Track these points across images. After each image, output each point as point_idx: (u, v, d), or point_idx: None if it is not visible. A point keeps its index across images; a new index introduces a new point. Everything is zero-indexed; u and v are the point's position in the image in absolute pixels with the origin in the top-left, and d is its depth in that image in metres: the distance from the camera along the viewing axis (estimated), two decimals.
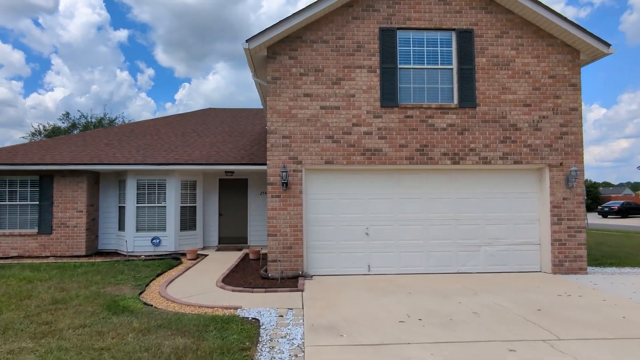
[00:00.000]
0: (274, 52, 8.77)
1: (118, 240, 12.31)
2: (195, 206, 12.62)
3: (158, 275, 8.74)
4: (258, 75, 9.61)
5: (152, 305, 6.41)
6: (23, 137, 35.61)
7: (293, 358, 4.41)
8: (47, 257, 11.55)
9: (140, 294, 7.16)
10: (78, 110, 34.69)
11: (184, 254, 11.53)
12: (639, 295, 7.07)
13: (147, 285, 7.83)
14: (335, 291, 7.37)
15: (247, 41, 8.29)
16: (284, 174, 8.47)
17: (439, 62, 9.03)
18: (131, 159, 11.72)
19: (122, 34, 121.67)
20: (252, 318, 5.72)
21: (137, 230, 11.86)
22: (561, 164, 8.92)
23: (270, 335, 5.10)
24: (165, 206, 11.95)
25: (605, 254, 11.64)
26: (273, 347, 4.70)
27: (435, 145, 8.83)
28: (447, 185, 9.10)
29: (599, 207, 37.90)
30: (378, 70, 8.85)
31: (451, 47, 9.04)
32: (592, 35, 8.62)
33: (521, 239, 9.09)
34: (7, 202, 11.76)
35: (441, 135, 8.85)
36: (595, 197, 45.53)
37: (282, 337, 5.01)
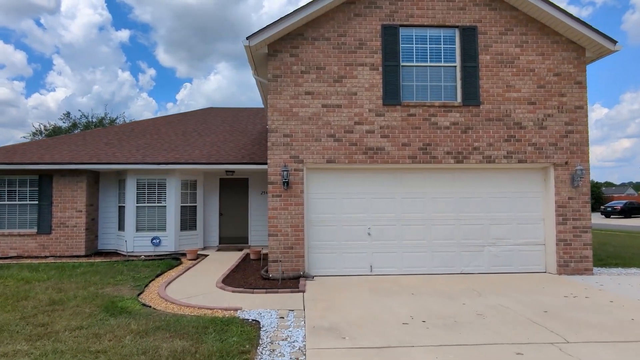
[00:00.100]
0: (275, 49, 8.65)
1: (118, 240, 12.21)
2: (195, 206, 12.51)
3: (158, 276, 8.63)
4: (259, 74, 9.49)
5: (150, 307, 6.30)
6: (24, 137, 35.57)
7: None
8: (46, 257, 11.45)
9: (139, 294, 7.05)
10: (79, 110, 34.76)
11: (184, 254, 11.43)
12: None
13: (146, 285, 7.72)
14: (337, 292, 7.25)
15: (247, 38, 8.18)
16: (285, 173, 8.35)
17: (442, 59, 8.90)
18: (131, 158, 11.62)
19: (124, 34, 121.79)
20: (253, 320, 5.61)
21: (137, 230, 11.75)
22: (566, 163, 8.78)
23: (270, 337, 4.98)
24: (165, 206, 11.85)
25: (610, 255, 11.50)
26: (274, 350, 4.58)
27: (439, 144, 8.70)
28: (451, 185, 8.97)
29: (602, 207, 37.70)
30: (380, 68, 8.73)
31: (454, 45, 8.91)
32: (598, 32, 8.49)
33: (526, 239, 8.96)
34: (6, 202, 11.67)
35: (444, 133, 8.72)
36: (597, 197, 45.32)
37: (282, 340, 4.89)
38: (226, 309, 6.10)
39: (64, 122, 32.33)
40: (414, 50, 8.88)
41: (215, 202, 13.14)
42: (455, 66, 8.89)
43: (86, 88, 79.02)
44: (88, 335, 4.94)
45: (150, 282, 8.04)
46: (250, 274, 8.68)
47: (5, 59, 78.69)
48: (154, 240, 11.67)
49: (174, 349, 4.49)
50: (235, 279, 8.17)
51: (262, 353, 4.50)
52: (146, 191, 11.85)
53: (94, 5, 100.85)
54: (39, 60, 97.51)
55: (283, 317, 5.75)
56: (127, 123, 17.93)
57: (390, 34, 8.76)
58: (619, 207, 35.49)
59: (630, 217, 34.90)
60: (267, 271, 8.49)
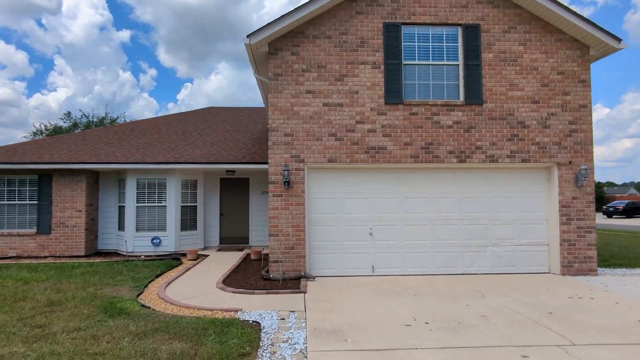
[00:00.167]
0: (276, 47, 8.57)
1: (118, 241, 12.14)
2: (196, 206, 12.44)
3: (157, 276, 8.55)
4: (259, 72, 9.41)
5: (150, 308, 6.22)
6: (25, 137, 35.52)
7: None
8: (45, 257, 11.39)
9: (138, 295, 6.97)
10: (79, 110, 34.68)
11: (184, 254, 11.35)
12: None
13: (145, 286, 7.64)
14: (338, 293, 7.17)
15: (248, 36, 8.09)
16: (286, 172, 8.27)
17: (445, 58, 8.81)
18: (131, 157, 11.54)
19: (125, 35, 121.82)
20: (253, 321, 5.52)
21: (137, 230, 11.68)
22: (570, 162, 8.69)
23: (271, 339, 4.90)
24: (165, 206, 11.77)
25: (614, 255, 11.40)
26: (274, 353, 4.50)
27: (441, 143, 8.61)
28: (453, 184, 8.88)
29: (604, 207, 37.56)
30: (382, 67, 8.64)
31: (457, 43, 8.82)
32: (603, 29, 8.39)
33: (529, 239, 8.86)
34: (5, 202, 11.61)
35: (447, 132, 8.63)
36: (599, 197, 45.17)
37: (283, 342, 4.81)
38: (226, 310, 6.02)
39: (64, 122, 32.31)
40: (416, 49, 8.79)
41: (216, 202, 13.07)
42: (458, 65, 8.79)
43: (87, 88, 79.07)
44: (86, 337, 4.86)
45: (149, 282, 7.96)
46: (251, 275, 8.60)
47: (7, 59, 78.79)
48: (154, 241, 11.59)
49: (172, 351, 4.41)
50: (235, 280, 8.09)
51: (262, 355, 4.42)
52: (146, 191, 11.78)
53: (95, 6, 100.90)
54: (40, 61, 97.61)
55: (284, 319, 5.67)
56: (127, 122, 17.86)
57: (392, 32, 8.67)
58: (621, 207, 35.35)
59: (632, 217, 34.76)
60: (267, 272, 8.40)
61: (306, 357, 4.38)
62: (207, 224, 12.90)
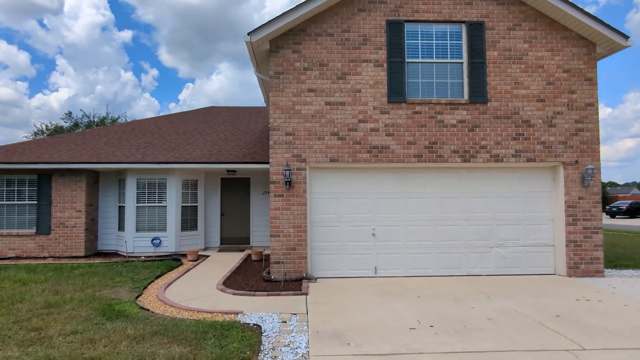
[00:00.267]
0: (277, 45, 8.44)
1: (118, 241, 12.03)
2: (196, 206, 12.32)
3: (157, 277, 8.44)
4: (260, 70, 9.29)
5: (149, 310, 6.10)
6: (26, 137, 35.47)
7: None
8: (45, 257, 11.29)
9: (137, 297, 6.85)
10: (80, 110, 34.61)
11: (184, 255, 11.24)
12: None
13: (145, 288, 7.53)
14: (340, 295, 7.04)
15: (249, 34, 7.97)
16: (287, 172, 8.14)
17: (449, 55, 8.67)
18: (131, 157, 11.43)
19: (127, 35, 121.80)
20: (254, 324, 5.40)
21: (137, 230, 11.57)
22: (576, 161, 8.54)
23: (272, 343, 4.77)
24: (165, 206, 11.66)
25: (620, 256, 11.24)
26: (275, 357, 4.37)
27: (445, 142, 8.47)
28: (457, 184, 8.75)
29: (607, 207, 37.32)
30: (385, 65, 8.51)
31: (461, 40, 8.68)
32: (610, 27, 8.24)
33: (534, 240, 8.72)
34: (4, 202, 11.51)
35: (451, 132, 8.49)
36: (603, 197, 44.89)
37: (285, 346, 4.69)
38: (226, 313, 5.90)
39: (65, 122, 32.24)
40: (420, 47, 8.66)
41: (217, 202, 12.96)
42: (462, 62, 8.66)
43: (89, 88, 79.07)
44: (82, 341, 4.74)
45: (149, 284, 7.85)
46: (252, 276, 8.48)
47: (9, 60, 78.80)
48: (154, 241, 11.48)
49: (171, 356, 4.29)
50: (236, 281, 7.97)
51: None
52: (146, 191, 11.67)
53: (97, 6, 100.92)
54: (42, 61, 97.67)
55: (285, 322, 5.54)
56: (128, 122, 17.77)
57: (395, 30, 8.54)
58: (624, 207, 35.11)
59: (635, 217, 34.52)
60: (269, 273, 8.28)
61: None
62: (208, 224, 12.79)
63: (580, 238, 8.45)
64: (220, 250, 12.20)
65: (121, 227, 11.85)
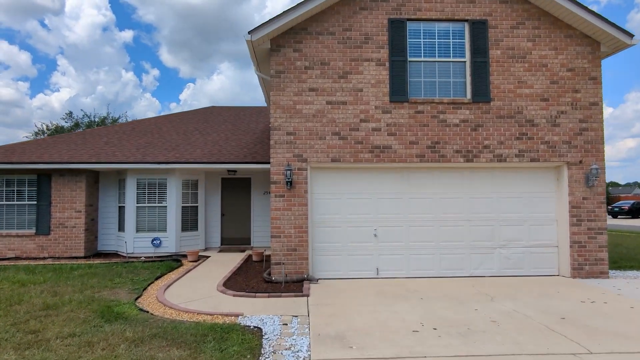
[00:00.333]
0: (278, 44, 8.36)
1: (118, 241, 11.96)
2: (197, 206, 12.25)
3: (157, 278, 8.36)
4: (261, 70, 9.21)
5: (148, 312, 6.03)
6: (26, 137, 35.44)
7: None
8: (44, 258, 11.22)
9: (136, 298, 6.78)
10: (81, 110, 34.55)
11: (185, 256, 11.17)
12: None
13: (144, 289, 7.45)
14: (342, 296, 6.96)
15: (249, 33, 7.89)
16: (288, 172, 8.06)
17: (451, 54, 8.59)
18: (131, 157, 11.36)
19: (128, 35, 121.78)
20: (254, 327, 5.32)
21: (137, 231, 11.50)
22: (581, 161, 8.45)
23: (273, 346, 4.69)
24: (165, 206, 11.59)
25: (623, 257, 11.14)
26: None
27: (447, 142, 8.38)
28: (460, 184, 8.66)
29: (609, 207, 37.17)
30: (387, 64, 8.42)
31: (464, 39, 8.59)
32: (614, 25, 8.14)
33: (538, 240, 8.63)
34: (4, 202, 11.45)
35: (453, 131, 8.40)
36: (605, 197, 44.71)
37: (286, 349, 4.60)
38: (227, 315, 5.82)
39: (66, 122, 32.21)
40: (422, 45, 8.57)
41: (217, 202, 12.88)
42: (465, 61, 8.57)
43: (90, 88, 79.05)
44: (80, 344, 4.67)
45: (149, 285, 7.77)
46: (253, 277, 8.40)
47: (11, 60, 78.86)
48: (155, 241, 11.41)
49: None
50: (236, 282, 7.89)
51: None
52: (146, 191, 11.60)
53: (98, 6, 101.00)
54: (44, 61, 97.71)
55: (286, 324, 5.46)
56: (128, 122, 17.69)
57: (397, 28, 8.45)
58: (626, 207, 34.96)
59: (637, 217, 34.37)
60: (269, 274, 8.20)
61: None
62: (208, 224, 12.71)
63: (585, 239, 8.36)
64: (220, 251, 12.13)
65: (121, 227, 11.78)
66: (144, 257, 11.24)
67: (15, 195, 11.50)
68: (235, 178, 13.01)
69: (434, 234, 8.56)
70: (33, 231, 11.39)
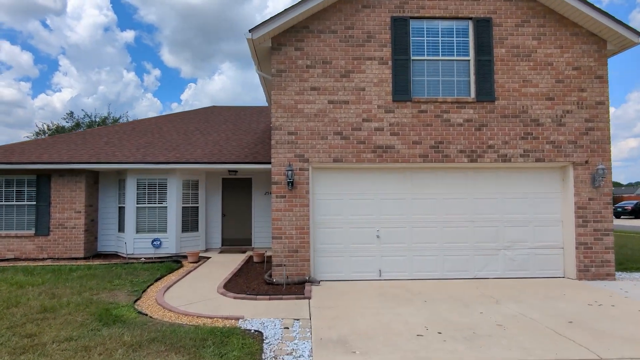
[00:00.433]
0: (279, 42, 8.25)
1: (118, 242, 11.87)
2: (197, 207, 12.14)
3: (157, 280, 8.26)
4: (262, 69, 9.10)
5: (147, 315, 5.92)
6: (27, 137, 35.40)
7: None
8: (44, 259, 11.13)
9: (135, 301, 6.67)
10: (82, 110, 34.48)
11: (185, 257, 11.07)
12: None
13: (144, 291, 7.35)
14: (344, 299, 6.84)
15: (250, 31, 7.78)
16: (290, 172, 7.95)
17: (455, 53, 8.46)
18: (131, 157, 11.26)
19: (129, 35, 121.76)
20: (255, 331, 5.21)
21: (137, 231, 11.40)
22: (587, 161, 8.31)
23: (274, 351, 4.57)
24: (166, 207, 11.49)
25: (629, 258, 10.99)
26: None
27: (451, 142, 8.26)
28: (464, 185, 8.53)
29: (612, 207, 36.93)
30: (390, 62, 8.30)
31: (468, 37, 8.47)
32: (621, 23, 8.01)
33: (543, 242, 8.49)
34: (3, 202, 11.37)
35: (457, 131, 8.28)
36: None
37: (287, 354, 4.49)
38: (227, 318, 5.71)
39: (67, 122, 32.17)
40: (425, 44, 8.45)
41: (218, 202, 12.78)
42: (469, 60, 8.44)
43: (92, 88, 79.05)
44: (77, 348, 4.56)
45: (148, 287, 7.67)
46: (254, 278, 8.29)
47: (13, 60, 78.93)
48: (155, 242, 11.31)
49: None
50: (237, 284, 7.78)
51: None
52: (147, 191, 11.50)
53: (100, 6, 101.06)
54: (45, 61, 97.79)
55: (288, 328, 5.35)
56: (128, 122, 17.59)
57: (400, 26, 8.33)
58: (629, 207, 34.69)
59: None
60: (270, 275, 8.09)
61: None
62: (209, 225, 12.61)
63: (591, 240, 8.23)
64: (221, 252, 12.02)
65: (121, 228, 11.69)
66: (144, 258, 11.14)
67: (14, 196, 11.41)
68: (236, 178, 12.90)
69: (438, 235, 8.44)
70: (32, 232, 11.30)
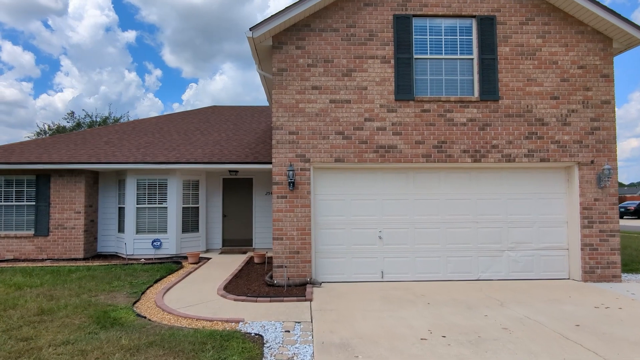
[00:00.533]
0: (280, 41, 8.14)
1: (117, 243, 11.78)
2: (197, 207, 12.05)
3: (156, 281, 8.16)
4: (263, 68, 9.00)
5: (145, 317, 5.82)
6: (28, 137, 35.39)
7: None
8: (43, 260, 11.04)
9: (134, 303, 6.58)
10: (83, 110, 34.43)
11: (185, 257, 10.97)
12: None
13: (143, 292, 7.25)
14: (346, 301, 6.73)
15: (251, 29, 7.68)
16: (291, 172, 7.84)
17: (458, 51, 8.35)
18: (131, 157, 11.17)
19: (130, 35, 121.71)
20: (255, 334, 5.10)
21: (137, 232, 11.31)
22: (592, 161, 8.19)
23: (275, 355, 4.47)
24: (166, 207, 11.40)
25: (634, 259, 10.86)
26: None
27: (455, 141, 8.15)
28: (467, 185, 8.42)
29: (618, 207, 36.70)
30: (392, 61, 8.19)
31: (471, 36, 8.35)
32: (628, 21, 7.89)
33: (548, 243, 8.37)
34: (2, 203, 11.29)
35: (461, 130, 8.17)
36: None
37: (288, 359, 4.38)
38: (227, 321, 5.61)
39: (68, 122, 32.12)
40: (428, 42, 8.34)
41: (218, 203, 12.68)
42: (472, 59, 8.33)
43: (93, 89, 78.98)
44: (73, 352, 4.46)
45: (147, 288, 7.57)
46: (254, 280, 8.19)
47: (14, 60, 78.90)
48: (155, 243, 11.22)
49: None
50: (238, 286, 7.68)
51: None
52: (147, 192, 11.41)
53: (101, 7, 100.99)
54: (47, 61, 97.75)
55: (289, 331, 5.24)
56: (129, 122, 17.52)
57: (402, 25, 8.22)
58: (632, 207, 34.44)
59: None
60: (271, 277, 7.99)
61: None
62: (209, 225, 12.51)
63: (596, 241, 8.10)
64: (222, 253, 11.92)
65: (121, 228, 11.60)
66: (144, 258, 11.05)
67: (14, 196, 11.33)
68: (237, 178, 12.80)
69: (441, 236, 8.33)
70: (32, 232, 11.22)
